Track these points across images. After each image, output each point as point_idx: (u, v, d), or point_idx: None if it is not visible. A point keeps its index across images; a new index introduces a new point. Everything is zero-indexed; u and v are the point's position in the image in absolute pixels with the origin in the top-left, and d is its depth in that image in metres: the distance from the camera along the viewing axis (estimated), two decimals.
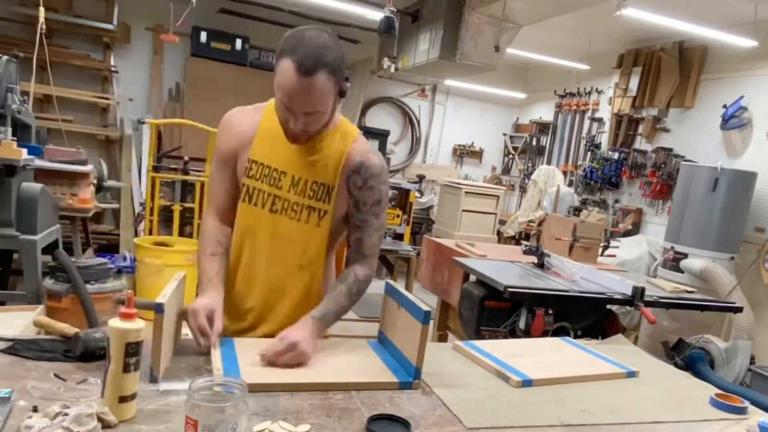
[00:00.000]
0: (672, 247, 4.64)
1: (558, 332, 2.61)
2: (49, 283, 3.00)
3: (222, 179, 1.55)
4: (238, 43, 6.44)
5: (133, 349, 1.04)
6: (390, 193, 6.10)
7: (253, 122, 1.51)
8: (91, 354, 1.25)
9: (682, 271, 4.49)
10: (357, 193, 1.50)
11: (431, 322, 3.80)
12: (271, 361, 1.30)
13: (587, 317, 2.76)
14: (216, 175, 1.56)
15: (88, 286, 2.97)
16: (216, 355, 1.31)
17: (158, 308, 1.19)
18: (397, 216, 5.14)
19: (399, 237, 5.73)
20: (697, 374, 3.38)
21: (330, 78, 1.32)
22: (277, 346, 1.31)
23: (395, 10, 4.59)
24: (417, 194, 6.15)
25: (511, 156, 8.42)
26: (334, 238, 1.58)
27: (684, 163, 5.13)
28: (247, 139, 1.50)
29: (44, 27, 3.93)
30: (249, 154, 1.49)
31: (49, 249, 3.27)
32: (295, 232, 1.50)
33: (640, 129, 6.08)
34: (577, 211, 5.41)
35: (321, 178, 1.48)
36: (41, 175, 3.60)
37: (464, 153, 8.39)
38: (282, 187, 1.48)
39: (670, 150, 5.62)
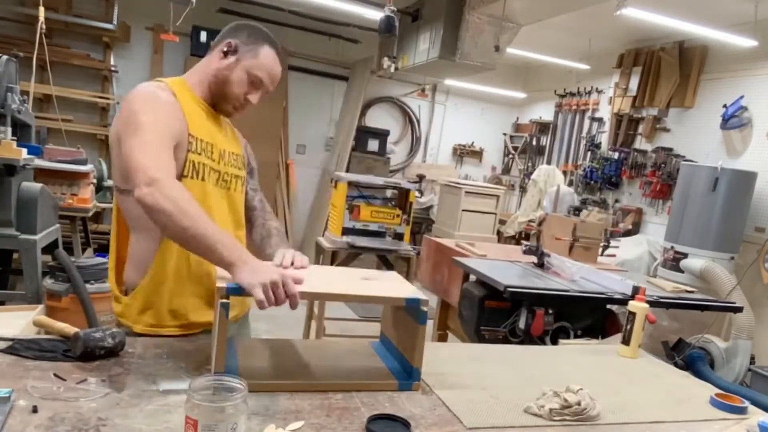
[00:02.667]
0: (672, 247, 4.63)
1: (558, 332, 2.61)
2: (49, 282, 3.00)
3: (170, 152, 1.38)
4: None
5: None
6: (390, 193, 6.12)
7: (172, 98, 1.47)
8: (91, 354, 1.25)
9: (682, 271, 4.49)
10: (252, 160, 1.76)
11: (431, 322, 3.80)
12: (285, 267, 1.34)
13: (587, 317, 2.76)
14: (166, 149, 1.37)
15: (87, 285, 2.97)
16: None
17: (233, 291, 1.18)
18: (397, 216, 5.13)
19: (399, 237, 5.71)
20: (697, 374, 3.37)
21: None
22: (283, 259, 1.40)
23: (395, 9, 4.59)
24: (417, 194, 6.14)
25: (511, 156, 8.42)
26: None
27: (684, 163, 5.13)
28: (180, 116, 1.46)
29: (44, 27, 3.93)
30: (188, 130, 1.46)
31: (49, 249, 3.27)
32: (233, 201, 1.61)
33: (640, 129, 6.08)
34: (577, 210, 5.39)
35: (233, 149, 1.64)
36: (41, 174, 3.60)
37: (464, 153, 8.39)
38: (215, 159, 1.55)
39: (670, 150, 5.62)
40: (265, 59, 1.55)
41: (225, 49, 1.54)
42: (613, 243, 4.25)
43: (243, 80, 1.53)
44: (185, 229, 1.22)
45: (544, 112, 7.84)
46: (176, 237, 1.27)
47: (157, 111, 1.40)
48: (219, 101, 1.56)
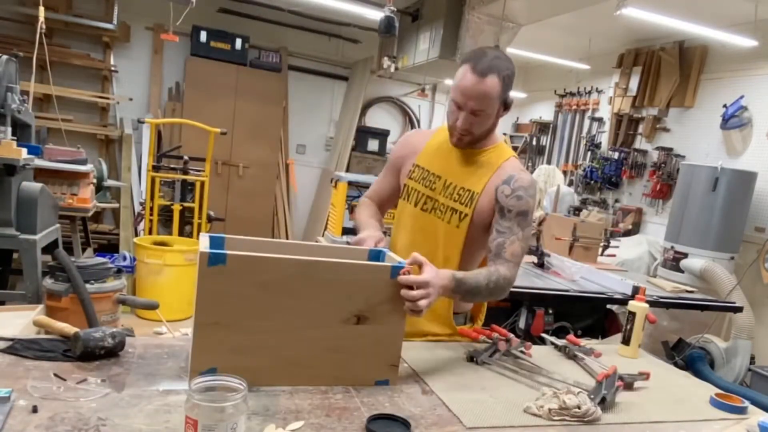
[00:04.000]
0: (672, 247, 4.63)
1: (558, 332, 2.61)
2: (48, 282, 3.00)
3: (386, 178, 1.85)
4: (238, 43, 6.44)
5: None
6: None
7: (425, 137, 1.77)
8: (91, 354, 1.25)
9: (682, 271, 4.49)
10: (503, 200, 1.58)
11: None
12: (402, 283, 1.30)
13: (587, 317, 2.77)
14: (382, 175, 1.87)
15: (87, 285, 2.97)
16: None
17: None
18: None
19: None
20: (697, 374, 3.37)
21: (499, 83, 1.52)
22: (413, 278, 1.31)
23: (395, 9, 4.59)
24: None
25: None
26: (474, 245, 1.65)
27: (684, 162, 5.13)
28: (416, 149, 1.75)
29: (44, 26, 3.93)
30: (415, 160, 1.73)
31: (49, 248, 3.27)
32: (437, 229, 1.65)
33: (640, 129, 6.07)
34: (577, 210, 5.41)
35: (468, 185, 1.63)
36: (41, 174, 3.60)
37: None
38: (435, 189, 1.67)
39: (670, 150, 5.62)
40: (457, 78, 1.55)
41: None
42: (613, 243, 4.25)
43: (450, 106, 1.60)
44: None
45: (544, 112, 7.84)
46: None
47: (395, 148, 1.86)
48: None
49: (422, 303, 1.29)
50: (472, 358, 1.57)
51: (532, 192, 1.59)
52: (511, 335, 1.66)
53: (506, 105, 1.59)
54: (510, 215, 1.56)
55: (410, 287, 1.30)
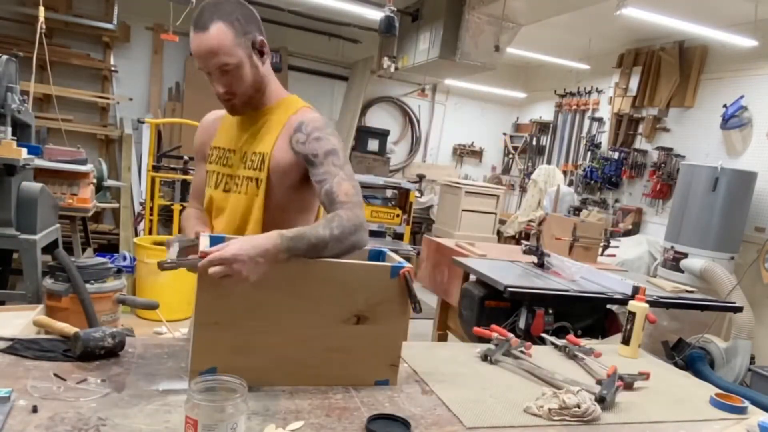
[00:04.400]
0: (672, 247, 4.63)
1: (558, 332, 2.60)
2: (48, 282, 3.00)
3: (198, 172, 1.69)
4: None
5: None
6: (390, 193, 6.10)
7: (217, 117, 1.65)
8: (91, 354, 1.25)
9: (682, 271, 4.49)
10: (302, 148, 1.43)
11: (431, 322, 3.80)
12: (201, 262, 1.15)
13: (587, 317, 2.76)
14: (196, 170, 1.72)
15: (87, 285, 2.97)
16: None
17: None
18: (397, 216, 5.14)
19: (399, 236, 5.72)
20: (697, 374, 3.37)
21: (228, 29, 1.36)
22: (214, 251, 1.15)
23: (395, 9, 4.59)
24: (417, 194, 6.15)
25: (511, 156, 8.42)
26: (285, 209, 1.51)
27: (684, 162, 5.13)
28: (211, 133, 1.63)
29: (44, 26, 3.93)
30: (212, 143, 1.60)
31: (49, 248, 3.27)
32: (238, 204, 1.51)
33: (640, 129, 6.08)
34: (577, 210, 5.41)
35: (259, 148, 1.49)
36: (41, 174, 3.60)
37: (464, 152, 8.39)
38: (232, 165, 1.53)
39: (670, 150, 5.62)
40: (191, 46, 1.39)
41: None
42: (613, 243, 4.24)
43: (209, 81, 1.48)
44: None
45: (544, 111, 7.84)
46: None
47: (195, 136, 1.71)
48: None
49: (231, 275, 1.13)
50: (486, 357, 1.58)
51: (330, 130, 1.46)
52: (511, 335, 1.66)
53: (256, 47, 1.43)
54: (319, 159, 1.41)
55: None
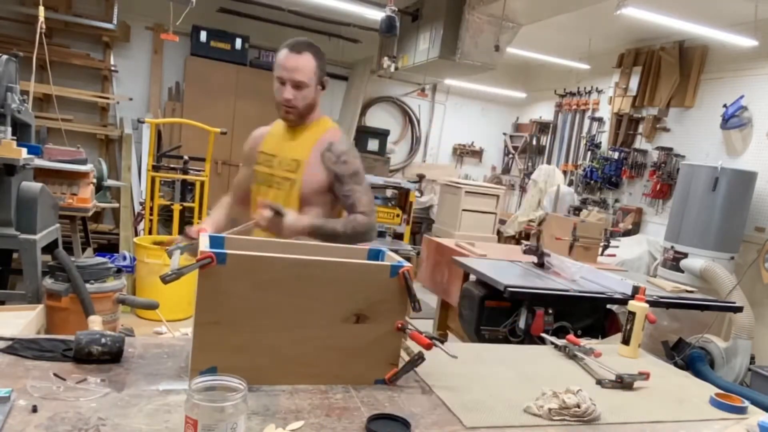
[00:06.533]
0: (672, 247, 4.63)
1: (558, 332, 2.60)
2: (48, 282, 2.99)
3: (243, 170, 2.15)
4: (238, 43, 6.44)
5: None
6: (390, 193, 6.12)
7: (265, 130, 2.10)
8: (90, 354, 1.25)
9: (682, 271, 4.49)
10: (333, 167, 1.90)
11: (431, 322, 3.80)
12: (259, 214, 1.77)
13: (587, 317, 2.76)
14: (241, 169, 2.21)
15: (87, 285, 2.97)
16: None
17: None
18: (397, 215, 5.13)
19: (399, 236, 5.72)
20: (697, 374, 3.37)
21: (314, 60, 1.91)
22: (269, 215, 1.77)
23: (396, 9, 4.59)
24: (417, 194, 6.15)
25: (511, 155, 8.42)
26: (312, 203, 1.91)
27: (684, 162, 5.13)
28: (259, 141, 2.07)
29: (44, 26, 3.93)
30: (259, 148, 2.03)
31: (49, 248, 3.27)
32: (277, 197, 1.90)
33: (640, 128, 6.07)
34: (577, 210, 5.40)
35: (296, 155, 1.92)
36: (41, 174, 3.60)
37: (464, 152, 8.39)
38: (273, 166, 1.97)
39: (670, 150, 5.62)
40: (276, 60, 1.89)
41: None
42: (613, 243, 4.24)
43: (275, 86, 1.89)
44: None
45: (544, 111, 7.84)
46: None
47: (245, 144, 2.16)
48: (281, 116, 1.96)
49: (275, 230, 1.76)
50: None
51: (354, 153, 1.97)
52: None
53: (323, 84, 1.96)
54: (345, 179, 1.90)
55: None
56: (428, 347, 1.32)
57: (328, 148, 1.90)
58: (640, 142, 6.12)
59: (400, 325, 1.32)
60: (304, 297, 1.25)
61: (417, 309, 1.30)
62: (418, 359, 1.34)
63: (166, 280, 1.21)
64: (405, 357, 1.37)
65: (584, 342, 1.82)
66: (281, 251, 1.31)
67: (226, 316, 1.20)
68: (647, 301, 1.90)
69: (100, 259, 3.29)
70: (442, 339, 1.38)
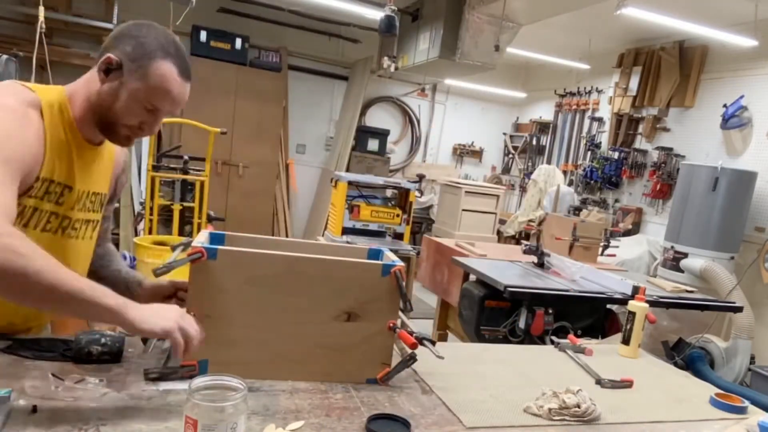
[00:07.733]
0: (672, 247, 4.63)
1: (558, 332, 2.61)
2: None
3: (11, 193, 1.07)
4: (238, 43, 6.44)
5: None
6: (390, 193, 6.11)
7: (38, 126, 1.18)
8: (90, 354, 1.25)
9: (682, 271, 4.49)
10: (119, 189, 1.48)
11: (431, 322, 3.80)
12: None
13: (587, 317, 2.77)
14: (7, 188, 1.06)
15: None
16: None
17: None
18: (397, 215, 5.13)
19: (399, 236, 5.71)
20: (697, 374, 3.37)
21: None
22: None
23: (396, 9, 4.59)
24: (417, 194, 6.14)
25: (511, 155, 8.42)
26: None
27: (684, 162, 5.13)
28: (37, 152, 1.16)
29: (44, 26, 3.91)
30: (37, 170, 1.16)
31: None
32: (78, 252, 1.33)
33: (641, 128, 6.08)
34: (577, 210, 5.40)
35: (98, 188, 1.34)
36: None
37: (464, 152, 8.39)
38: (65, 203, 1.25)
39: (670, 150, 5.62)
40: (159, 79, 1.20)
41: (104, 67, 1.26)
42: (613, 243, 4.25)
43: (132, 110, 1.22)
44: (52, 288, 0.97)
45: (544, 111, 7.84)
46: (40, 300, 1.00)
47: (24, 133, 1.13)
48: (104, 130, 1.26)
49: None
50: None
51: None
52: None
53: None
54: (114, 200, 1.48)
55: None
56: (413, 347, 1.31)
57: (123, 170, 1.45)
58: (640, 142, 6.12)
59: (391, 325, 1.32)
60: (294, 294, 1.25)
61: (408, 309, 1.29)
62: (410, 359, 1.34)
63: (157, 273, 1.22)
64: (400, 357, 1.37)
65: (579, 342, 1.83)
66: (279, 249, 1.31)
67: (217, 310, 1.21)
68: (647, 301, 1.90)
69: None
70: (432, 339, 1.37)
